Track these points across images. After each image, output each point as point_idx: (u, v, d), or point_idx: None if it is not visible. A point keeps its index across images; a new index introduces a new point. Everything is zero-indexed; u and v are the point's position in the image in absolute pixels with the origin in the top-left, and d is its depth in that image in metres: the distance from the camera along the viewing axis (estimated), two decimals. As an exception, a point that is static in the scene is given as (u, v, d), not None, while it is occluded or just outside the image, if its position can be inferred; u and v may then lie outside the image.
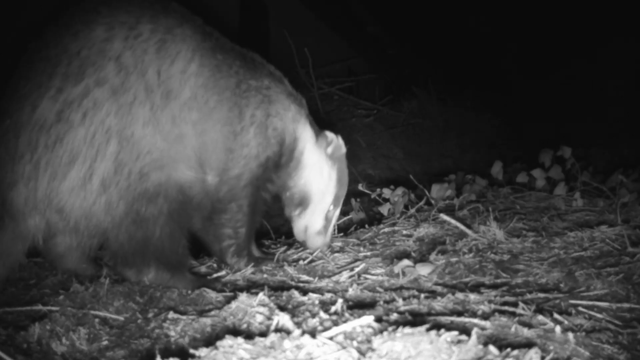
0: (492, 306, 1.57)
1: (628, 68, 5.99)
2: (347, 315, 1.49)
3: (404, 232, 2.52)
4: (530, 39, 7.73)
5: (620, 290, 1.73)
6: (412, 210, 2.79)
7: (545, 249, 2.14)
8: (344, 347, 1.19)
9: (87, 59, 1.79)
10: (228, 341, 1.22)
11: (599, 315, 1.53)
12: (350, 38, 7.21)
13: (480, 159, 4.82)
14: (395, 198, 2.93)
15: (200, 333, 1.52)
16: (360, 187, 3.16)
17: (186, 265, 2.10)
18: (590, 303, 1.63)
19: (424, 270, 1.98)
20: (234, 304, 1.60)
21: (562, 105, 6.06)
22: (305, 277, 2.06)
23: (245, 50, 2.20)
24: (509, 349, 1.16)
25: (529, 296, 1.70)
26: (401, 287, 1.88)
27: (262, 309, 1.54)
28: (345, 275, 2.03)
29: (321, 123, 2.47)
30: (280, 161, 2.26)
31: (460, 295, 1.68)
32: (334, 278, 2.02)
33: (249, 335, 1.26)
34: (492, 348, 1.16)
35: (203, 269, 2.30)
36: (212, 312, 1.63)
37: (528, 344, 1.27)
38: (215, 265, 2.32)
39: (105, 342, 1.55)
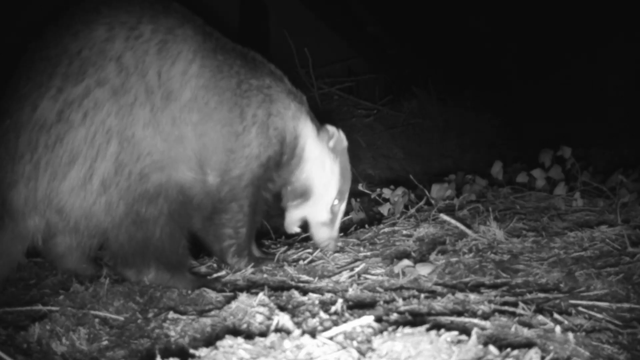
0: (492, 306, 1.57)
1: (628, 68, 6.00)
2: (347, 315, 1.49)
3: (404, 232, 2.52)
4: (530, 39, 7.74)
5: (620, 290, 1.73)
6: (412, 210, 2.79)
7: (545, 249, 2.14)
8: (344, 347, 1.19)
9: (88, 59, 1.79)
10: (228, 341, 1.22)
11: (599, 315, 1.53)
12: (350, 38, 7.22)
13: (480, 159, 4.82)
14: (395, 198, 2.93)
15: (200, 333, 1.52)
16: (360, 187, 3.16)
17: (186, 265, 2.10)
18: (590, 303, 1.63)
19: (424, 270, 1.98)
20: (234, 304, 1.60)
21: (562, 105, 6.06)
22: (305, 277, 2.06)
23: (247, 49, 2.19)
24: (509, 349, 1.16)
25: (529, 296, 1.70)
26: (401, 287, 1.88)
27: (262, 309, 1.54)
28: (345, 275, 2.03)
29: (321, 122, 2.46)
30: (282, 160, 2.26)
31: (460, 295, 1.68)
32: (334, 278, 2.02)
33: (249, 335, 1.26)
34: (492, 348, 1.16)
35: (203, 269, 2.30)
36: (212, 312, 1.63)
37: (528, 344, 1.27)
38: (215, 265, 2.32)
39: (105, 342, 1.55)
